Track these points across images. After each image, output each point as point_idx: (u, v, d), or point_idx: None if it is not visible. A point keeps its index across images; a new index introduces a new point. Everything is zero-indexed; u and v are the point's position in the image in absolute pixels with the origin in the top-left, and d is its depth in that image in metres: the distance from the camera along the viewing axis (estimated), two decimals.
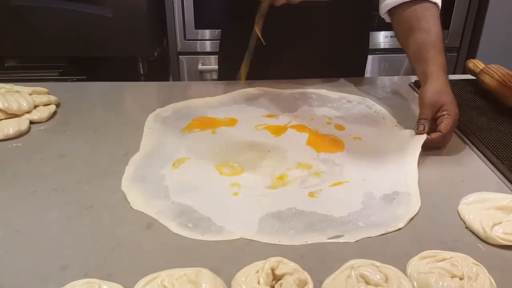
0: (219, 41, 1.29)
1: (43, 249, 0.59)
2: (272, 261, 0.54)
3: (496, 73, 1.01)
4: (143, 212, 0.66)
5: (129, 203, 0.67)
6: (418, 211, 0.67)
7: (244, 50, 1.02)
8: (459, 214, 0.67)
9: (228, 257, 0.58)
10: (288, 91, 1.05)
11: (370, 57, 2.09)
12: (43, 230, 0.62)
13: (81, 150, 0.82)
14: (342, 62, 1.16)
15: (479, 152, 0.83)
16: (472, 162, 0.81)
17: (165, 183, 0.72)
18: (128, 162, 0.77)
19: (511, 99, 0.94)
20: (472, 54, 2.08)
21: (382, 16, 1.04)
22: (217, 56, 1.31)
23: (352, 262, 0.55)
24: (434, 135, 0.83)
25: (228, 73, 1.16)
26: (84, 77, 1.65)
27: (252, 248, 0.60)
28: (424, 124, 0.84)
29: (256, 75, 1.07)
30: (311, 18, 1.07)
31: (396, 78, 1.22)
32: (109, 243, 0.60)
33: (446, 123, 0.82)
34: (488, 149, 0.82)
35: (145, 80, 1.74)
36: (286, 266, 0.53)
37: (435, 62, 0.88)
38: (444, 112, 0.83)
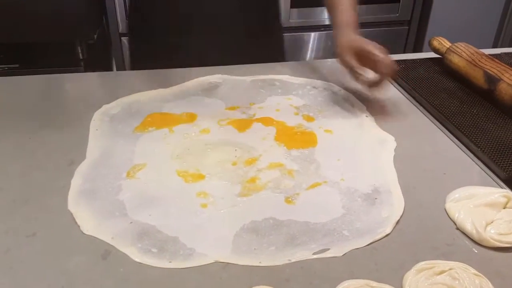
0: None
1: None
2: None
3: (464, 52, 0.97)
4: (96, 238, 0.56)
5: (79, 226, 0.57)
6: (403, 212, 0.62)
7: None
8: (447, 213, 0.62)
9: None
10: (249, 78, 0.96)
11: (315, 34, 2.04)
12: None
13: (15, 161, 0.70)
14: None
15: (456, 140, 0.79)
16: (450, 152, 0.76)
17: (121, 198, 0.62)
18: (74, 174, 0.66)
19: (482, 80, 0.90)
20: (423, 27, 2.07)
21: None
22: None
23: (345, 284, 0.49)
24: (375, 78, 0.80)
25: (139, 27, 1.07)
26: (17, 65, 1.50)
27: (230, 273, 0.52)
28: (358, 72, 0.81)
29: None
30: None
31: None
32: (58, 280, 0.50)
33: (380, 59, 0.79)
34: (466, 135, 0.78)
35: (85, 66, 1.59)
36: None
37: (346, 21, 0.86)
38: (370, 51, 0.80)
